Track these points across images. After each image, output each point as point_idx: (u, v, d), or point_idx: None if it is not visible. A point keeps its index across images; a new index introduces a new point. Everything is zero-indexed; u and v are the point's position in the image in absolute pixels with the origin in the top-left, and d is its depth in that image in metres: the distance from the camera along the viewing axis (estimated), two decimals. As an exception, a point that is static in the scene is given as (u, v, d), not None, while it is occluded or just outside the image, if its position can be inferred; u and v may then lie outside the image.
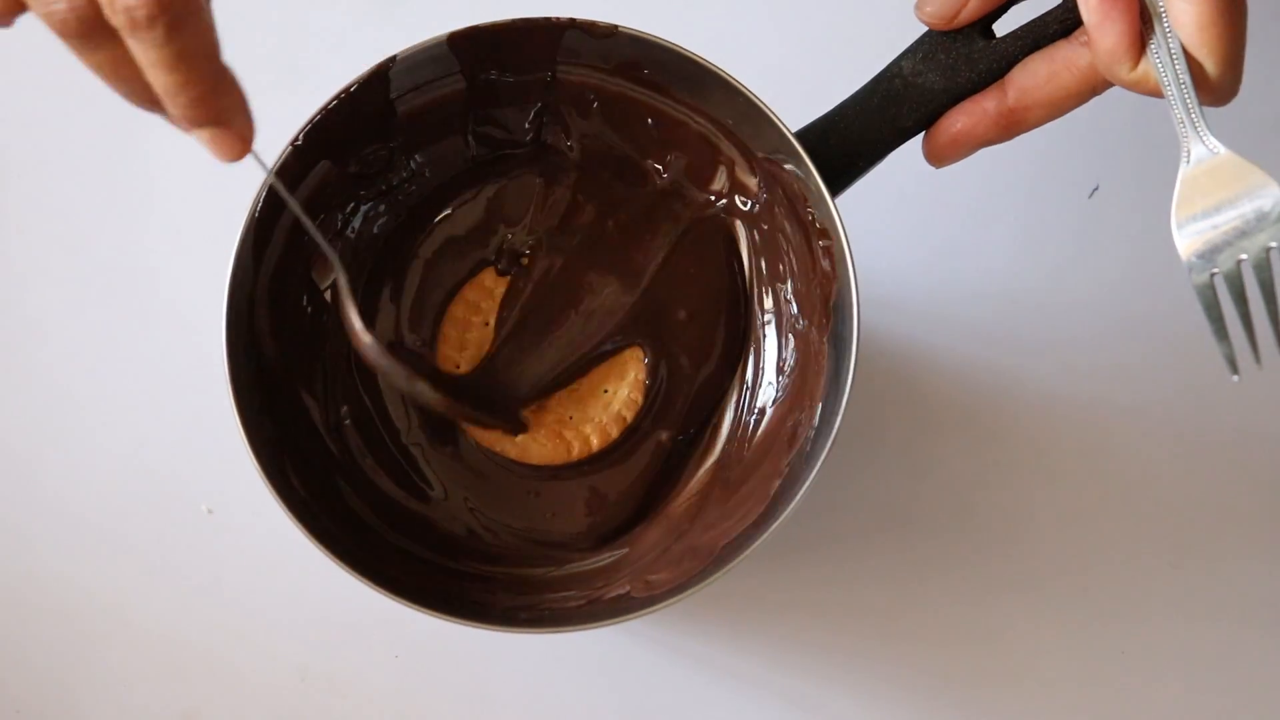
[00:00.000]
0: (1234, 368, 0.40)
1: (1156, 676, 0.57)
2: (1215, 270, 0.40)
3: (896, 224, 0.58)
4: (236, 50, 0.60)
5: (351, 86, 0.47)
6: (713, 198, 0.54)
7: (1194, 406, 0.58)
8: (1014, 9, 0.44)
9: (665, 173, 0.54)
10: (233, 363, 0.46)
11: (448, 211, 0.55)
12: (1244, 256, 0.40)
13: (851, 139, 0.46)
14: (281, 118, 0.60)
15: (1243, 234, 0.40)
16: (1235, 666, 0.57)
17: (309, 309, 0.52)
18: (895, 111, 0.45)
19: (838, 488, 0.57)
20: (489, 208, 0.55)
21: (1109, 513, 0.58)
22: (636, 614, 0.46)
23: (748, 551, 0.45)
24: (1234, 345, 0.40)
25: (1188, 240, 0.40)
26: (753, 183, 0.52)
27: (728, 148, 0.51)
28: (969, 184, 0.59)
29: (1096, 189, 0.60)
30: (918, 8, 0.44)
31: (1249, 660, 0.57)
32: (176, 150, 0.61)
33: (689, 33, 0.47)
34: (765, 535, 0.45)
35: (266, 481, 0.45)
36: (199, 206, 0.60)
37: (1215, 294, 0.40)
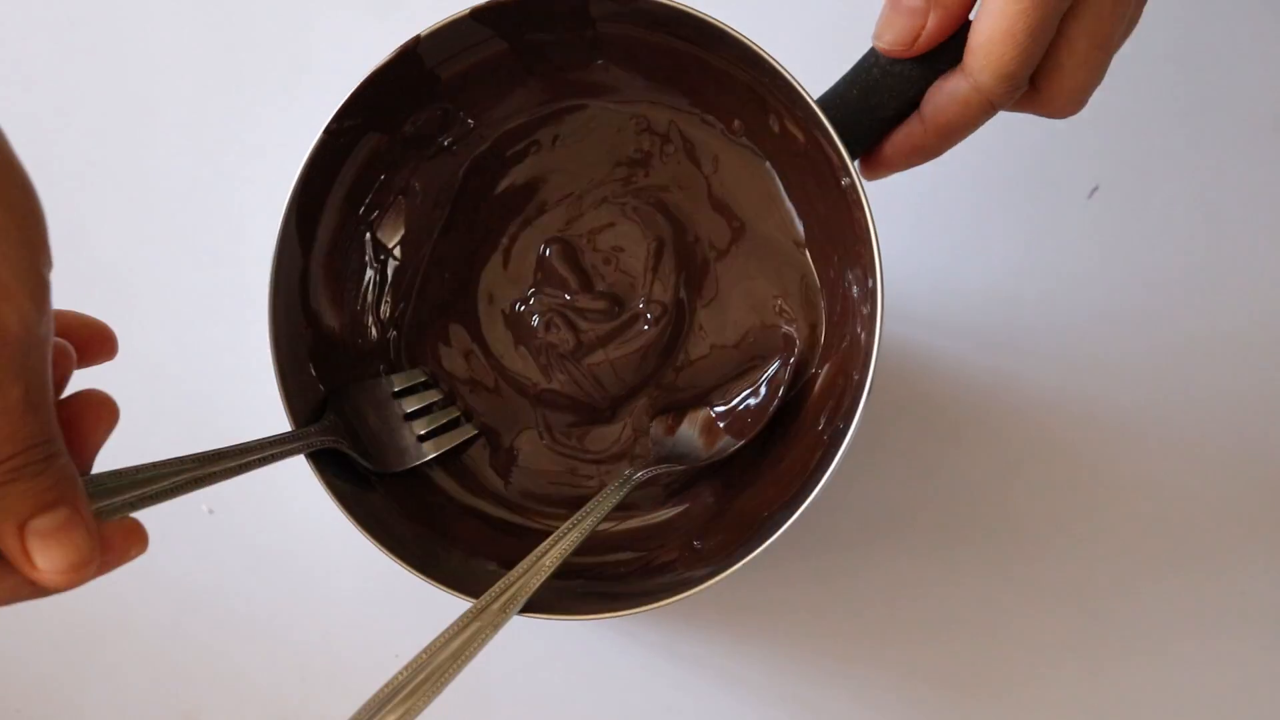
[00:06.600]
0: None
1: (1159, 679, 0.57)
2: None
3: (894, 224, 0.58)
4: (243, 52, 0.61)
5: (377, 68, 0.47)
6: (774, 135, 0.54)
7: (1195, 407, 0.58)
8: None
9: (735, 122, 0.54)
10: (277, 352, 0.47)
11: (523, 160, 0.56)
12: None
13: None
14: (289, 118, 0.61)
15: None
16: (1237, 668, 0.57)
17: (372, 270, 0.54)
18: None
19: (839, 490, 0.57)
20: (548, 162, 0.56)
21: (1111, 514, 0.58)
22: (679, 595, 0.45)
23: (790, 522, 0.44)
24: None
25: None
26: (800, 134, 0.51)
27: (773, 99, 0.50)
28: (968, 184, 0.59)
29: (1096, 189, 0.59)
30: (876, 38, 0.44)
31: (1250, 662, 0.57)
32: (181, 147, 0.61)
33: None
34: (804, 506, 0.44)
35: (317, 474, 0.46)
36: (201, 204, 0.60)
37: None
